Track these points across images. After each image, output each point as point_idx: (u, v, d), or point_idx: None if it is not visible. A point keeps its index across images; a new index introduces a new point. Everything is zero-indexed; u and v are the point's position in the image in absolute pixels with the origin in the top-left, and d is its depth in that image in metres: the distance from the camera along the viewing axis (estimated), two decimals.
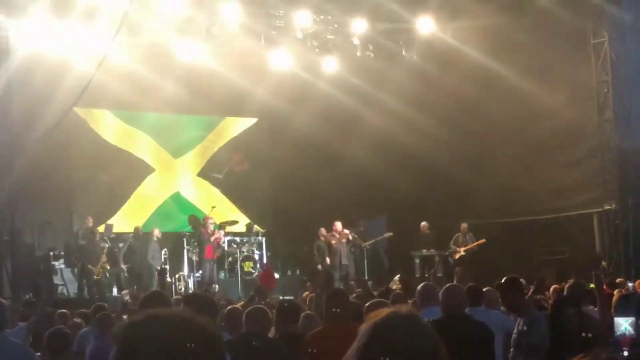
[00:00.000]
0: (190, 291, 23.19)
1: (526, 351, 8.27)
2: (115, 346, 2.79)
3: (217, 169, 28.67)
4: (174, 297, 20.94)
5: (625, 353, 5.09)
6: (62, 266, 23.73)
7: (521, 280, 10.97)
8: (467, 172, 26.00)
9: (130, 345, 2.77)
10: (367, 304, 8.66)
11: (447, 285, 9.35)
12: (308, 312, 10.03)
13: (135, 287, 23.05)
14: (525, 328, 8.69)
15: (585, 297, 10.61)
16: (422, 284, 10.71)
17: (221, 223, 25.68)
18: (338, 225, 24.99)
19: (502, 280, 9.65)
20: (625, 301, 10.59)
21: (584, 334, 6.97)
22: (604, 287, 12.25)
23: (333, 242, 24.84)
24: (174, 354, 2.73)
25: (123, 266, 23.84)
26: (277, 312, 9.14)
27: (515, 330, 8.79)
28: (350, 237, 25.17)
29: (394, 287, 18.37)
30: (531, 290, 14.89)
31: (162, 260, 24.11)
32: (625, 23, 24.06)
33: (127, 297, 12.98)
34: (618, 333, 5.57)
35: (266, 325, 8.32)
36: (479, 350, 7.59)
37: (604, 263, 22.50)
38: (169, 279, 23.97)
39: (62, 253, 23.91)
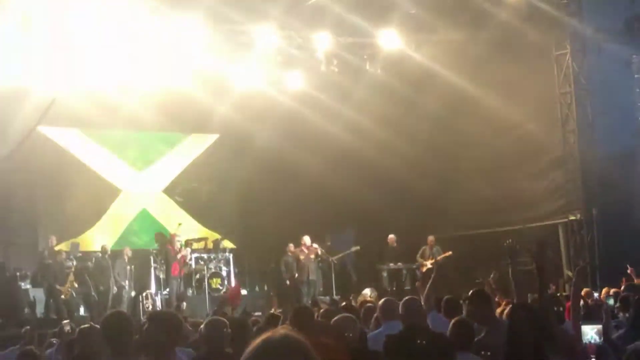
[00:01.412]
0: (158, 309, 23.15)
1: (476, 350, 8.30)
2: None
3: (179, 190, 28.67)
4: (142, 315, 20.98)
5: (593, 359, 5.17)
6: (29, 286, 23.59)
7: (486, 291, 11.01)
8: (433, 185, 26.12)
9: None
10: (335, 319, 8.65)
11: (406, 298, 9.43)
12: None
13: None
14: (482, 334, 8.72)
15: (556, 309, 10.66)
16: (383, 299, 10.79)
17: (188, 240, 25.65)
18: (306, 240, 24.98)
19: (470, 293, 9.69)
20: (593, 311, 10.66)
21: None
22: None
23: (301, 257, 24.81)
24: None
25: (92, 285, 23.67)
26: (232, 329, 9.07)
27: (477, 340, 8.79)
28: (319, 252, 25.17)
29: (362, 301, 18.36)
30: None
31: (127, 278, 24.05)
32: (587, 35, 24.26)
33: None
34: (584, 341, 5.64)
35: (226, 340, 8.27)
36: None
37: (569, 273, 22.64)
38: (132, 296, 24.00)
39: (29, 273, 23.75)
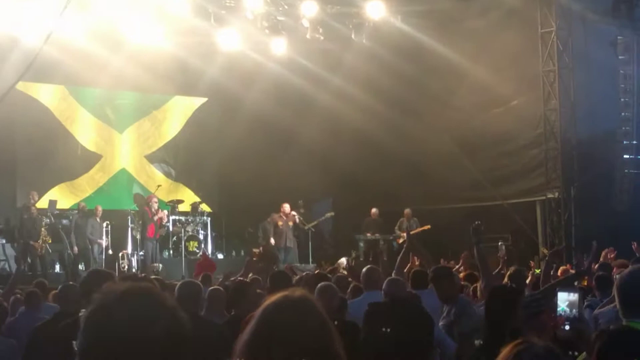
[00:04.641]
0: (134, 270, 23.18)
1: (458, 340, 8.31)
2: (83, 333, 2.68)
3: (161, 153, 28.62)
4: (117, 275, 20.93)
5: (567, 327, 5.20)
6: (4, 241, 23.52)
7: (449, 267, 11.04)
8: (415, 156, 26.11)
9: (98, 333, 2.67)
10: (318, 287, 8.64)
11: (390, 278, 9.43)
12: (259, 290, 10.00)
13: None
14: (453, 318, 8.74)
15: (524, 284, 10.70)
16: (366, 267, 10.80)
17: (168, 202, 25.64)
18: (286, 207, 25.06)
19: (433, 269, 9.69)
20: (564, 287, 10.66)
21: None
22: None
23: (280, 223, 24.85)
24: (143, 342, 2.64)
25: (68, 242, 23.65)
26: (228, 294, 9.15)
27: (443, 318, 8.81)
28: (297, 219, 25.25)
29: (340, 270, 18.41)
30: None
31: (101, 236, 24.00)
32: (574, 13, 24.26)
33: None
34: (558, 310, 5.65)
35: (199, 302, 8.28)
36: (418, 333, 7.62)
37: (544, 250, 22.74)
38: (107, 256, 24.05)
39: (2, 227, 23.67)
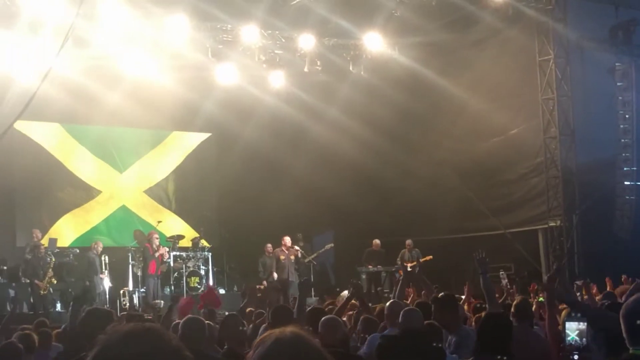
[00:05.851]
0: (136, 307, 23.05)
1: None
2: None
3: (161, 188, 28.45)
4: (120, 313, 20.78)
5: (576, 357, 5.11)
6: (4, 281, 23.35)
7: (455, 296, 10.91)
8: (414, 187, 26.07)
9: None
10: (322, 320, 8.51)
11: (406, 309, 9.27)
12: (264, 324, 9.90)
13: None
14: (452, 349, 8.62)
15: (531, 313, 10.58)
16: (390, 301, 10.66)
17: (168, 238, 25.51)
18: (287, 240, 24.85)
19: (435, 297, 9.56)
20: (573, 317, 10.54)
21: None
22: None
23: (282, 257, 24.69)
24: None
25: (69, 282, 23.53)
26: (221, 327, 9.07)
27: (445, 349, 8.68)
28: (299, 253, 25.10)
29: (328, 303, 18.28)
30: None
31: (104, 273, 23.83)
32: (571, 41, 24.27)
33: None
34: (567, 339, 5.58)
35: (203, 338, 8.19)
36: None
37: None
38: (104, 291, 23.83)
39: (5, 267, 23.52)
